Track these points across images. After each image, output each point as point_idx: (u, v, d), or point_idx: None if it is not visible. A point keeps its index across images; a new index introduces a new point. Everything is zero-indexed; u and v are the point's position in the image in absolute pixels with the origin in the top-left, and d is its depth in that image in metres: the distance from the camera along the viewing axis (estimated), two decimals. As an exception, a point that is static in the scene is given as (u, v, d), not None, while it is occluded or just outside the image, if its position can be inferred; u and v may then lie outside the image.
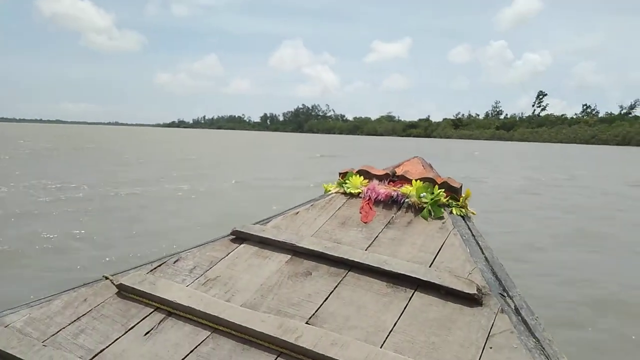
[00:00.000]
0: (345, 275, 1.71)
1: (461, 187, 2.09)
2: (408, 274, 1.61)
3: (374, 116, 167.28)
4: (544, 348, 1.31)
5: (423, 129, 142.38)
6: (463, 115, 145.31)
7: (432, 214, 1.99)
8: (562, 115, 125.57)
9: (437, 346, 1.35)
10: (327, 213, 2.14)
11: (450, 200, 2.03)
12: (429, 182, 2.08)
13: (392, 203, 2.12)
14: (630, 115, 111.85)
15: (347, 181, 2.29)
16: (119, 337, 1.51)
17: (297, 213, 2.17)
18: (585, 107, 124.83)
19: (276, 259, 1.85)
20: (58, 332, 1.56)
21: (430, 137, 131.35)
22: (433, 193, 2.03)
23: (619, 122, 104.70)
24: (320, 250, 1.80)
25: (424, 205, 2.02)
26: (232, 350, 1.42)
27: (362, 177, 2.28)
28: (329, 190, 2.36)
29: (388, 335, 1.40)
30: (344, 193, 2.27)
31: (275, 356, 1.38)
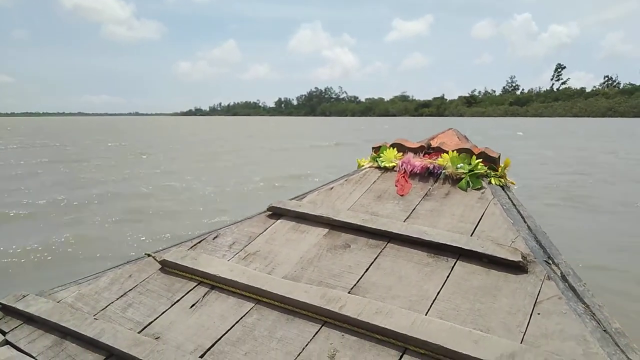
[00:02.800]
0: (384, 247, 1.71)
1: (499, 156, 2.06)
2: (449, 244, 1.60)
3: (391, 97, 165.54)
4: (594, 313, 1.29)
5: (435, 107, 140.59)
6: (480, 92, 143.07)
7: (471, 184, 1.97)
8: (581, 88, 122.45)
9: (483, 313, 1.34)
10: (362, 187, 2.14)
11: (488, 171, 2.00)
12: (466, 152, 2.05)
13: (428, 175, 2.11)
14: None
15: (381, 155, 2.28)
16: (166, 310, 1.56)
17: (332, 188, 2.17)
18: (606, 78, 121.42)
19: (314, 232, 1.87)
20: (107, 306, 1.62)
21: (443, 116, 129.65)
22: (470, 164, 2.00)
23: (639, 93, 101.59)
24: (358, 223, 1.81)
25: (462, 176, 2.00)
26: (277, 321, 1.45)
27: (396, 150, 2.27)
28: (363, 165, 2.36)
29: (432, 304, 1.40)
30: (378, 167, 2.26)
31: (320, 325, 1.40)
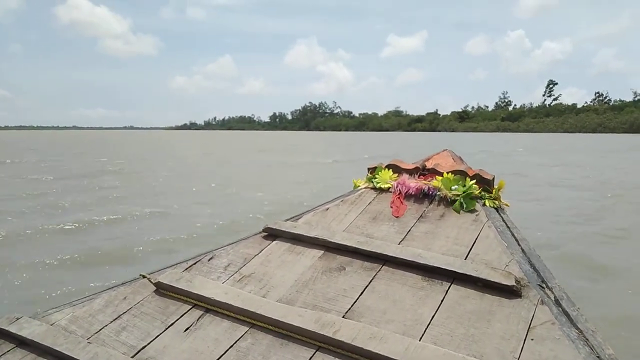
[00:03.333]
0: (379, 270, 1.71)
1: (494, 178, 2.08)
2: (444, 267, 1.60)
3: (385, 112, 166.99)
4: (587, 339, 1.29)
5: (428, 122, 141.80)
6: (473, 107, 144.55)
7: (465, 206, 1.98)
8: (572, 104, 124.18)
9: (476, 338, 1.34)
10: (358, 208, 2.15)
11: (482, 193, 2.02)
12: (461, 174, 2.07)
13: (423, 197, 2.12)
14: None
15: (376, 176, 2.29)
16: (160, 334, 1.55)
17: (328, 209, 2.18)
18: (597, 94, 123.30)
19: (309, 254, 1.86)
20: (101, 329, 1.60)
21: (436, 131, 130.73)
22: (465, 185, 2.02)
23: (629, 109, 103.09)
24: (353, 245, 1.81)
25: (456, 198, 2.01)
26: (271, 345, 1.44)
27: (391, 172, 2.28)
28: (358, 186, 2.37)
29: (426, 329, 1.40)
30: (374, 188, 2.27)
31: (314, 350, 1.39)
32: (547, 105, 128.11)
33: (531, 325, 1.35)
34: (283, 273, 1.77)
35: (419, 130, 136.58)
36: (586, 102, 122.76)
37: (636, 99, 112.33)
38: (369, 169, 2.38)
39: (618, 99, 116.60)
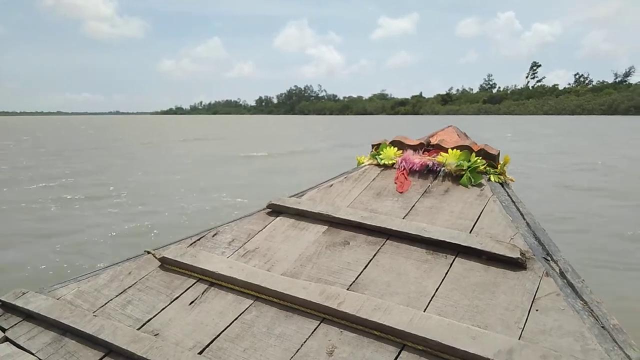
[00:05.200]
0: (383, 244, 1.72)
1: (499, 153, 2.09)
2: (448, 240, 1.62)
3: (371, 95, 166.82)
4: (592, 310, 1.31)
5: (411, 106, 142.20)
6: (458, 90, 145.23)
7: (472, 180, 1.99)
8: (554, 85, 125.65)
9: (481, 309, 1.36)
10: (362, 184, 2.16)
11: (488, 168, 2.03)
12: (466, 149, 2.08)
13: (427, 172, 2.13)
14: (624, 83, 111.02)
15: (380, 152, 2.30)
16: (165, 307, 1.56)
17: (332, 185, 2.18)
18: (577, 76, 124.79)
19: (313, 229, 1.87)
20: (106, 303, 1.62)
21: (418, 114, 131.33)
22: (470, 161, 2.03)
23: (607, 91, 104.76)
24: (358, 220, 1.82)
25: (461, 173, 2.02)
26: (276, 317, 1.45)
27: (395, 148, 2.28)
28: (362, 163, 2.37)
29: (431, 300, 1.42)
30: (378, 165, 2.28)
31: (319, 322, 1.41)
32: (530, 88, 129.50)
33: (536, 297, 1.37)
34: (287, 248, 1.78)
35: (402, 114, 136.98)
36: (568, 84, 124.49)
37: (617, 80, 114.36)
38: (373, 145, 2.38)
39: (600, 81, 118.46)
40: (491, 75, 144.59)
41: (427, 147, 2.24)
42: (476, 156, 2.05)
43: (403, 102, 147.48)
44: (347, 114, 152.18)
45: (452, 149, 2.11)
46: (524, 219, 1.77)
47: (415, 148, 2.26)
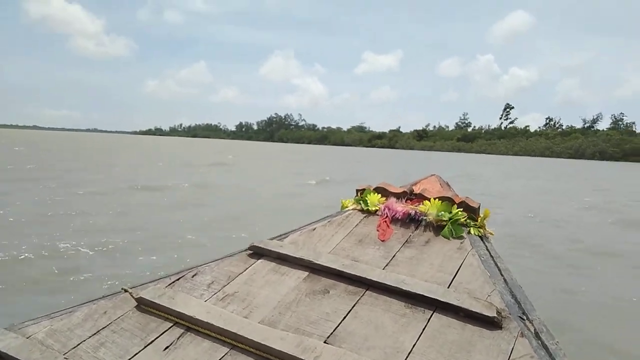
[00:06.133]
0: (363, 294, 1.72)
1: (479, 206, 2.15)
2: (426, 295, 1.63)
3: (350, 127, 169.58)
4: None
5: (388, 139, 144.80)
6: (435, 127, 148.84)
7: (454, 232, 2.03)
8: (525, 127, 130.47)
9: None
10: (345, 230, 2.17)
11: (468, 220, 2.09)
12: (448, 201, 2.13)
13: (409, 221, 2.16)
14: (591, 129, 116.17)
15: (364, 198, 2.34)
16: (139, 352, 1.51)
17: (314, 229, 2.19)
18: (548, 119, 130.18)
19: (294, 275, 1.87)
20: (79, 344, 1.55)
21: (394, 148, 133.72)
22: (451, 212, 2.09)
23: (574, 135, 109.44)
24: (338, 268, 1.82)
25: (443, 224, 2.07)
26: None
27: (379, 195, 2.32)
28: (347, 207, 2.40)
29: (407, 357, 1.41)
30: (361, 210, 2.31)
31: None
32: (502, 128, 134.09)
33: (510, 358, 1.37)
34: (267, 293, 1.76)
35: (378, 147, 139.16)
36: (539, 127, 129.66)
37: (585, 126, 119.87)
38: (357, 190, 2.42)
39: (569, 125, 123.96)
40: (467, 114, 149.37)
41: (410, 195, 2.30)
42: (457, 208, 2.11)
43: (380, 136, 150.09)
44: (325, 144, 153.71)
45: (434, 199, 2.16)
46: (502, 274, 1.80)
47: (398, 196, 2.31)
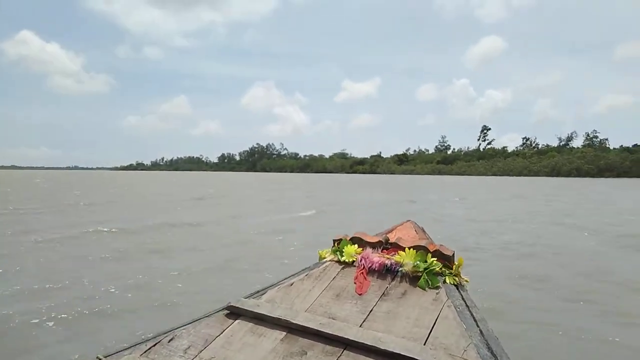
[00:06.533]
0: (340, 355, 1.70)
1: (454, 254, 2.16)
2: (403, 354, 1.61)
3: (332, 154, 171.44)
4: None
5: (369, 165, 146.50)
6: (415, 150, 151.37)
7: (430, 283, 2.04)
8: (503, 148, 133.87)
9: None
10: (322, 284, 2.16)
11: (443, 269, 2.10)
12: (422, 250, 2.15)
13: (386, 272, 2.16)
14: (567, 147, 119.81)
15: (341, 249, 2.34)
16: None
17: (292, 284, 2.17)
18: (525, 139, 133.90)
19: (271, 336, 1.84)
20: None
21: (375, 173, 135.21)
22: (426, 261, 2.10)
23: (551, 154, 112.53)
24: (316, 328, 1.80)
25: (418, 275, 2.07)
26: None
27: (356, 245, 2.33)
28: (324, 257, 2.39)
29: None
30: (339, 261, 2.31)
31: None
32: (481, 150, 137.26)
33: None
34: (244, 357, 1.72)
35: (360, 172, 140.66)
36: (516, 147, 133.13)
37: (561, 144, 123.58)
38: (334, 240, 2.42)
39: (545, 144, 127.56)
40: (445, 137, 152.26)
41: (385, 245, 2.30)
42: (432, 257, 2.12)
43: (362, 162, 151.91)
44: (307, 172, 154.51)
45: (409, 248, 2.17)
46: (478, 326, 1.80)
47: (374, 246, 2.31)
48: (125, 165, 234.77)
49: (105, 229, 10.52)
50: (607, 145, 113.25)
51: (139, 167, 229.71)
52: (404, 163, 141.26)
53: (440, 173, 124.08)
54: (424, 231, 2.53)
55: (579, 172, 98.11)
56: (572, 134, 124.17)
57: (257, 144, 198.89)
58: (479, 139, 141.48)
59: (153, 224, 10.84)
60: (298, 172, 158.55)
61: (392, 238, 2.34)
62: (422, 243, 2.21)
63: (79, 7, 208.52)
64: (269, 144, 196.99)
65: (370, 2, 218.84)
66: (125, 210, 16.18)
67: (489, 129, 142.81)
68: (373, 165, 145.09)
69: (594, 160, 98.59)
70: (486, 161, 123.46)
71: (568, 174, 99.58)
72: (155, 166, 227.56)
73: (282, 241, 9.02)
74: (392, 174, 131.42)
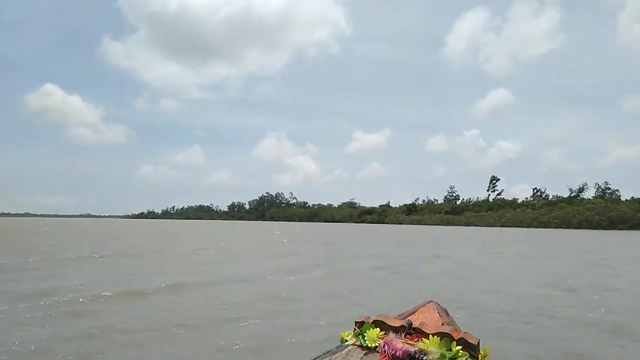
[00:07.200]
0: None
1: (479, 343, 2.15)
2: None
3: (340, 203, 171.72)
4: None
5: (377, 214, 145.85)
6: (424, 200, 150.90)
7: None
8: (513, 199, 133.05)
9: None
10: None
11: (468, 359, 2.08)
12: (447, 337, 2.14)
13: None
14: (578, 198, 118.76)
15: (364, 333, 2.34)
16: None
17: None
18: (535, 190, 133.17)
19: None
20: None
21: (384, 223, 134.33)
22: (451, 350, 2.09)
23: (561, 205, 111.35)
24: None
25: None
26: None
27: (378, 329, 2.33)
28: (345, 340, 2.39)
29: None
30: (361, 346, 2.30)
31: None
32: (490, 200, 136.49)
33: None
34: None
35: (368, 222, 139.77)
36: (526, 198, 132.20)
37: (572, 195, 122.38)
38: (356, 322, 2.42)
39: (556, 195, 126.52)
40: (454, 187, 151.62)
41: (408, 330, 2.30)
42: (457, 345, 2.11)
43: (370, 211, 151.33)
44: (316, 221, 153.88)
45: (433, 335, 2.17)
46: None
47: (397, 330, 2.31)
48: (137, 213, 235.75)
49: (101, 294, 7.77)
50: (619, 197, 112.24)
51: (150, 215, 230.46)
52: (413, 213, 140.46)
53: (448, 223, 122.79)
54: (447, 313, 2.52)
55: (590, 224, 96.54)
56: (583, 185, 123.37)
57: (267, 192, 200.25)
58: (488, 190, 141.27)
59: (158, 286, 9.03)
60: (306, 220, 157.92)
61: (415, 322, 2.34)
62: (447, 329, 2.21)
63: (101, 61, 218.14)
64: (278, 192, 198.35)
65: (380, 56, 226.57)
66: (128, 265, 13.45)
67: (498, 179, 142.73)
68: (381, 214, 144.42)
69: (604, 212, 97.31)
70: (495, 212, 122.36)
71: (578, 226, 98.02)
72: (166, 214, 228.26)
73: (293, 312, 7.48)
74: (400, 223, 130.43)
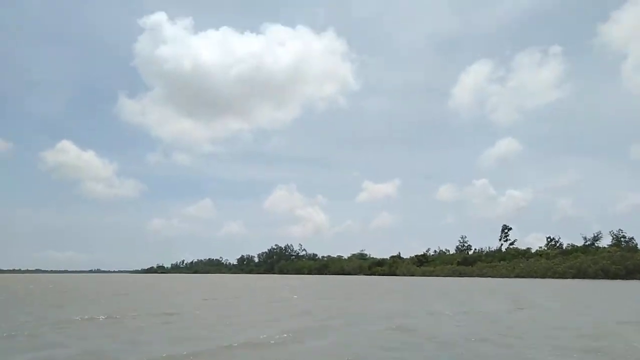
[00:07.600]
0: None
1: None
2: None
3: (350, 254, 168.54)
4: None
5: (388, 266, 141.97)
6: (435, 251, 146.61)
7: None
8: (527, 248, 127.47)
9: None
10: None
11: None
12: None
13: None
14: (593, 247, 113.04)
15: None
16: None
17: None
18: (549, 239, 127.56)
19: None
20: None
21: (394, 275, 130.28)
22: None
23: (576, 254, 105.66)
24: None
25: None
26: None
27: None
28: None
29: None
30: None
31: None
32: (502, 250, 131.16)
33: None
34: None
35: (378, 274, 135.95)
36: (540, 247, 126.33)
37: (586, 244, 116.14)
38: None
39: (570, 244, 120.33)
40: (465, 237, 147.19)
41: None
42: None
43: (380, 263, 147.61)
44: (325, 274, 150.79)
45: None
46: None
47: None
48: (146, 268, 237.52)
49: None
50: (636, 245, 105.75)
51: (159, 269, 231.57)
52: (424, 264, 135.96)
53: (460, 275, 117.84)
54: None
55: (607, 274, 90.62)
56: (598, 233, 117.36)
57: (276, 245, 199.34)
58: (500, 239, 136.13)
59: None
60: (316, 273, 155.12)
61: None
62: None
63: (117, 118, 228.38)
64: (287, 245, 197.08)
65: (388, 108, 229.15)
66: (127, 330, 12.13)
67: (510, 228, 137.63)
68: (392, 266, 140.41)
69: (621, 261, 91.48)
70: (507, 262, 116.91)
71: (595, 276, 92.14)
72: (175, 269, 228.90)
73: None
74: (411, 275, 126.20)
